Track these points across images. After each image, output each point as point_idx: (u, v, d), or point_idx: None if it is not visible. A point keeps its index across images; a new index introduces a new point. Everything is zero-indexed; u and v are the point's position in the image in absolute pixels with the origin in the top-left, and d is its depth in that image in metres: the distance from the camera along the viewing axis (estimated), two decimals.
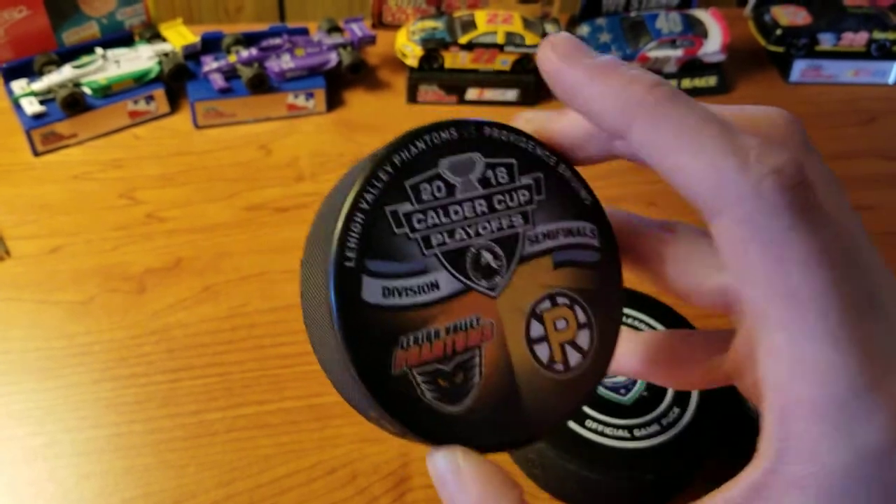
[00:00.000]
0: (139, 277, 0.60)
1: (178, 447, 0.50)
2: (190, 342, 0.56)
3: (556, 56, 0.26)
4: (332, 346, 0.28)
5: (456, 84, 0.75)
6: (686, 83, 0.78)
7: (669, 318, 0.51)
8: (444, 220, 0.30)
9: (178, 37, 0.74)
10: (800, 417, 0.22)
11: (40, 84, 0.68)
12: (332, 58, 0.73)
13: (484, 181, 0.31)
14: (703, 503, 0.24)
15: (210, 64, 0.72)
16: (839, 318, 0.21)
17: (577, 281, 0.32)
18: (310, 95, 0.72)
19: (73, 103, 0.68)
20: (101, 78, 0.69)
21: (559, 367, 0.31)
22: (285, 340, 0.53)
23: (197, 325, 0.57)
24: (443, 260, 0.30)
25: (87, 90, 0.69)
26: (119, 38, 0.73)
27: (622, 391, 0.48)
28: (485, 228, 0.31)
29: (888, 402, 0.21)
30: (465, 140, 0.31)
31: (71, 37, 0.73)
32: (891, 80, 0.82)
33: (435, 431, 0.29)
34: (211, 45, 0.74)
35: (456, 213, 0.31)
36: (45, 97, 0.69)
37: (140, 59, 0.71)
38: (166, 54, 0.72)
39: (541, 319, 0.31)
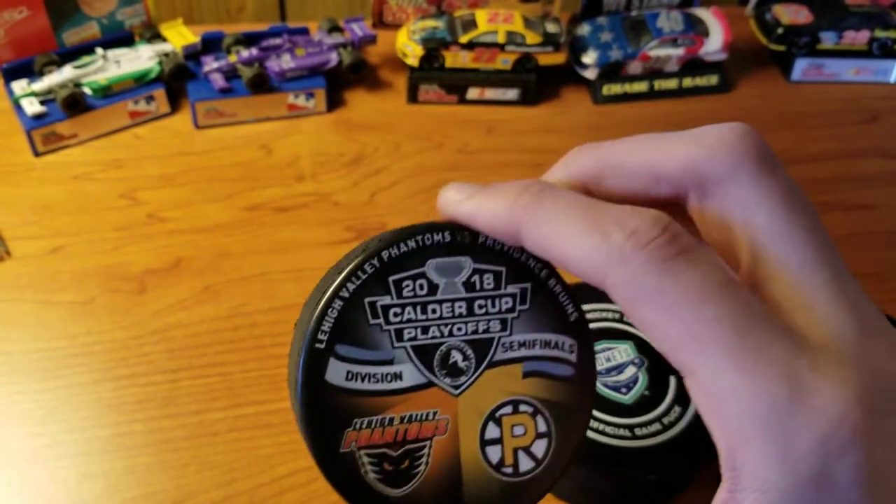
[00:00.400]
0: (140, 277, 0.60)
1: (179, 447, 0.50)
2: (190, 342, 0.56)
3: (449, 203, 0.29)
4: (296, 413, 0.30)
5: (457, 83, 0.75)
6: (687, 82, 0.78)
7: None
8: (420, 316, 0.32)
9: (179, 37, 0.73)
10: (739, 446, 0.22)
11: (41, 84, 0.68)
12: (333, 57, 0.73)
13: (468, 285, 0.32)
14: None
15: (210, 64, 0.72)
16: (739, 343, 0.22)
17: (545, 392, 0.33)
18: (310, 95, 0.72)
19: (74, 103, 0.68)
20: (102, 78, 0.69)
21: (508, 470, 0.32)
22: (286, 340, 0.53)
23: (197, 325, 0.57)
24: (411, 354, 0.32)
25: (87, 90, 0.69)
26: (119, 38, 0.73)
27: (623, 390, 0.48)
28: (460, 329, 0.32)
29: (812, 418, 0.21)
30: (457, 244, 0.32)
31: (71, 37, 0.72)
32: (892, 79, 0.82)
33: None
34: (211, 45, 0.74)
35: (434, 311, 0.32)
36: (46, 97, 0.69)
37: (140, 59, 0.71)
38: (167, 54, 0.72)
39: (499, 423, 0.32)
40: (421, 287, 0.32)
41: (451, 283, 0.33)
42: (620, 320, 0.51)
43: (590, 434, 0.46)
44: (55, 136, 0.68)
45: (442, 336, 0.33)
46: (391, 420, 0.32)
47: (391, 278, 0.32)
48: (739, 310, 0.23)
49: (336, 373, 0.31)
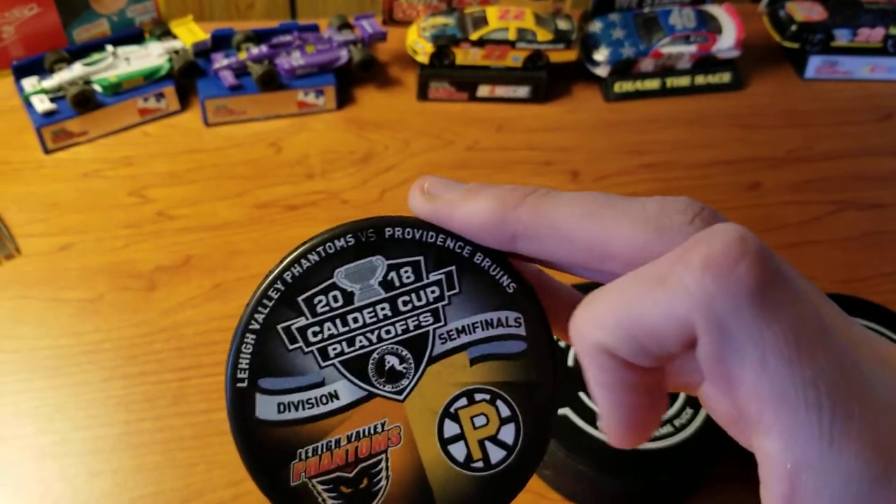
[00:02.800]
0: (149, 275, 0.59)
1: (188, 446, 0.50)
2: (199, 340, 0.56)
3: (423, 197, 0.27)
4: (239, 455, 0.29)
5: (467, 81, 0.75)
6: (700, 80, 0.78)
7: None
8: (342, 329, 0.30)
9: (189, 34, 0.73)
10: None
11: (51, 82, 0.68)
12: (343, 55, 0.73)
13: (386, 284, 0.31)
14: None
15: (220, 61, 0.72)
16: (830, 412, 0.20)
17: (499, 374, 0.31)
18: (320, 93, 0.72)
19: (84, 101, 0.67)
20: (112, 75, 0.69)
21: (478, 465, 0.30)
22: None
23: (206, 322, 0.57)
24: (341, 369, 0.30)
25: (97, 88, 0.69)
26: (129, 35, 0.73)
27: None
28: (388, 332, 0.30)
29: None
30: (363, 245, 0.30)
31: (81, 34, 0.72)
32: None
33: None
34: (221, 42, 0.74)
35: (355, 321, 0.30)
36: (56, 95, 0.68)
37: (150, 56, 0.71)
38: (177, 51, 0.72)
39: (456, 418, 0.31)
40: (335, 299, 0.31)
41: (366, 287, 0.31)
42: None
43: (601, 436, 0.45)
44: (65, 134, 0.68)
45: (371, 344, 0.31)
46: (337, 442, 0.30)
47: (300, 298, 0.30)
48: (836, 369, 0.20)
49: (266, 408, 0.30)
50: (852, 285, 0.61)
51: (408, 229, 0.30)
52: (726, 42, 0.77)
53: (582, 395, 0.46)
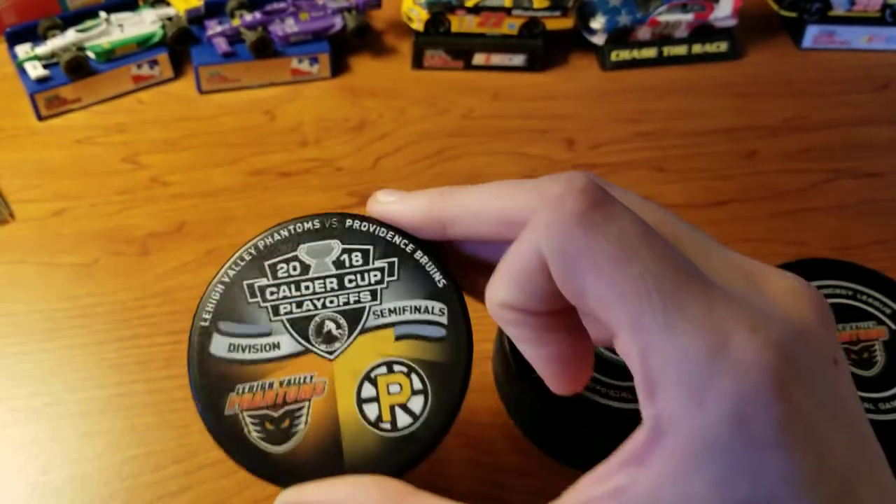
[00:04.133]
0: (142, 241, 0.59)
1: (180, 407, 0.50)
2: (193, 304, 0.54)
3: (376, 202, 0.35)
4: (190, 384, 0.35)
5: (462, 48, 0.74)
6: (697, 48, 0.77)
7: None
8: (294, 293, 0.37)
9: (182, 1, 0.73)
10: (661, 395, 0.24)
11: (44, 48, 0.68)
12: (337, 22, 0.73)
13: (338, 263, 0.37)
14: (603, 469, 0.27)
15: (214, 28, 0.71)
16: (661, 301, 0.24)
17: (418, 352, 0.36)
18: (314, 60, 0.72)
19: (77, 67, 0.67)
20: (105, 42, 0.69)
21: (386, 426, 0.35)
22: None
23: (200, 287, 0.56)
24: (287, 326, 0.36)
25: (90, 55, 0.69)
26: (123, 2, 0.73)
27: None
28: (332, 302, 0.37)
29: (729, 367, 0.23)
30: (327, 229, 0.38)
31: (74, 1, 0.72)
32: None
33: (256, 466, 0.34)
34: (215, 8, 0.73)
35: (307, 288, 0.37)
36: (49, 62, 0.68)
37: (143, 23, 0.71)
38: (170, 18, 0.71)
39: (374, 383, 0.36)
40: (294, 268, 0.37)
41: (321, 263, 0.37)
42: None
43: (593, 396, 0.45)
44: (58, 100, 0.68)
45: (315, 309, 0.37)
46: (271, 384, 0.35)
47: (266, 263, 0.37)
48: (662, 265, 0.24)
49: (219, 346, 0.36)
50: (847, 253, 0.61)
51: (364, 223, 0.37)
52: (723, 11, 0.76)
53: None
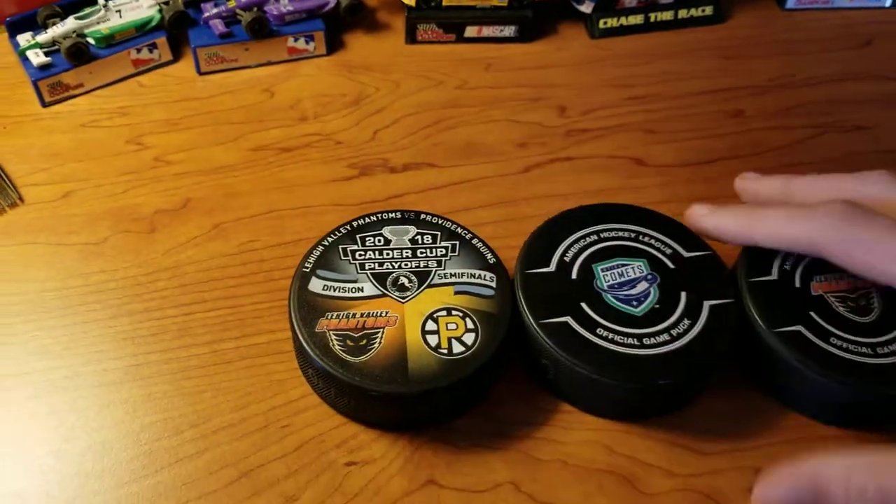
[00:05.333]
0: (150, 218, 0.61)
1: (194, 375, 0.52)
2: (202, 277, 0.57)
3: (696, 216, 0.52)
4: (290, 310, 0.48)
5: (454, 22, 0.76)
6: (683, 13, 0.79)
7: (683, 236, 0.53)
8: (377, 256, 0.50)
9: None
10: None
11: (44, 36, 0.69)
12: (331, 0, 0.74)
13: (413, 241, 0.50)
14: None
15: (210, 10, 0.73)
16: None
17: (472, 304, 0.47)
18: (310, 38, 0.73)
19: (78, 53, 0.69)
20: (104, 28, 0.70)
21: (443, 351, 0.45)
22: (293, 273, 0.55)
23: (208, 261, 0.58)
24: (370, 277, 0.49)
25: (90, 41, 0.70)
26: None
27: (634, 303, 0.49)
28: (406, 265, 0.49)
29: None
30: (406, 219, 0.52)
31: None
32: (888, 3, 0.82)
33: (339, 372, 0.45)
34: None
35: (387, 254, 0.50)
36: (51, 49, 0.70)
37: (141, 8, 0.72)
38: (167, 2, 0.73)
39: (436, 321, 0.46)
40: (379, 241, 0.50)
41: (400, 240, 0.50)
42: (636, 240, 0.52)
43: (600, 342, 0.47)
44: (61, 87, 0.69)
45: (393, 268, 0.49)
46: (353, 315, 0.47)
47: (358, 235, 0.51)
48: None
49: (316, 285, 0.48)
50: None
51: (434, 217, 0.52)
52: None
53: (583, 304, 0.48)
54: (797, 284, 0.50)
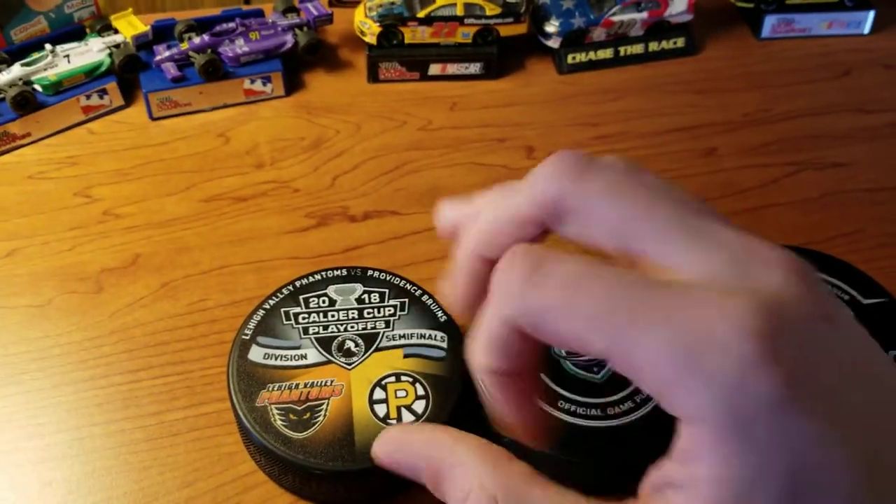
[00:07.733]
0: (96, 277, 0.58)
1: (140, 449, 0.50)
2: (149, 341, 0.55)
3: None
4: (228, 382, 0.46)
5: (417, 60, 0.73)
6: (653, 46, 0.76)
7: None
8: (322, 319, 0.47)
9: (129, 27, 0.72)
10: (671, 392, 0.25)
11: None
12: (288, 39, 0.72)
13: (359, 300, 0.48)
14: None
15: (162, 53, 0.70)
16: (628, 317, 0.24)
17: (422, 367, 0.45)
18: (267, 80, 0.71)
19: (24, 102, 0.66)
20: (52, 74, 0.68)
21: (392, 422, 0.43)
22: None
23: (156, 323, 0.56)
24: (314, 342, 0.46)
25: (38, 88, 0.68)
26: (71, 31, 0.72)
27: (595, 369, 0.47)
28: (352, 327, 0.47)
29: (721, 349, 0.22)
30: (352, 276, 0.50)
31: (19, 34, 0.71)
32: (866, 30, 0.80)
33: (279, 447, 0.43)
34: (163, 33, 0.72)
35: (332, 316, 0.47)
36: None
37: (91, 52, 0.70)
38: (117, 45, 0.70)
39: (384, 388, 0.45)
40: (323, 302, 0.48)
41: (346, 300, 0.48)
42: None
43: (562, 416, 0.45)
44: (8, 137, 0.67)
45: (338, 331, 0.47)
46: (297, 385, 0.45)
47: (301, 296, 0.49)
48: (618, 284, 0.24)
49: (256, 354, 0.46)
50: (814, 246, 0.60)
51: (382, 273, 0.50)
52: (678, 6, 0.76)
53: (544, 376, 0.46)
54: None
